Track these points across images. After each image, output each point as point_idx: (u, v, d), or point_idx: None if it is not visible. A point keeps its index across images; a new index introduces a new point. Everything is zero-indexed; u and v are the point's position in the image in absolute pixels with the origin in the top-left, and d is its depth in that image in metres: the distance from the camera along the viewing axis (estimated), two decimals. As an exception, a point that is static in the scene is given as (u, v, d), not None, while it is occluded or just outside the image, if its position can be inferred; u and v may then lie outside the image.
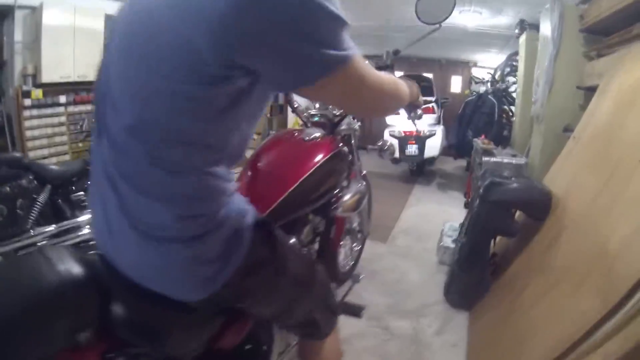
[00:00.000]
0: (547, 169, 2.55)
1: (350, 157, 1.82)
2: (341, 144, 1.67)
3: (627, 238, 1.34)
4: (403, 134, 5.65)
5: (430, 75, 7.97)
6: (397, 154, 5.62)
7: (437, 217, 4.04)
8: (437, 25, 1.52)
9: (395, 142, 5.62)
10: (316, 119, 1.81)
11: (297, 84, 0.69)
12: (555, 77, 3.26)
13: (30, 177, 2.56)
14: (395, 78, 0.95)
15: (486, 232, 2.09)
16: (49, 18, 4.40)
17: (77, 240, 2.64)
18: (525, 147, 4.06)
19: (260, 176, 1.39)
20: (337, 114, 1.79)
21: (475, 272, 2.12)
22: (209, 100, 0.67)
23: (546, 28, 3.40)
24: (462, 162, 6.29)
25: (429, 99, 5.99)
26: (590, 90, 2.74)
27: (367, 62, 0.79)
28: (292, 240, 1.30)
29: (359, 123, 1.86)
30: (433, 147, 5.67)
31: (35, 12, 4.42)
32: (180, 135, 0.70)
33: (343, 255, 2.53)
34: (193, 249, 0.76)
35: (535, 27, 4.05)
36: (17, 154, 2.81)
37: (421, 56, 8.58)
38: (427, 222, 3.94)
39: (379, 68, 1.65)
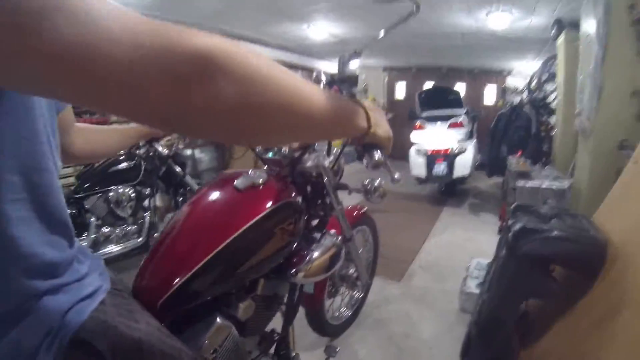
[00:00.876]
0: (598, 196, 1.98)
1: (322, 202, 1.44)
2: (293, 193, 1.28)
3: None
4: (430, 152, 5.14)
5: (461, 86, 7.43)
6: (423, 174, 5.16)
7: (464, 248, 3.49)
8: (413, 9, 1.09)
9: (422, 160, 5.14)
10: (270, 154, 1.39)
11: None
12: (604, 82, 2.67)
13: None
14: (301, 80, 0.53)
15: (513, 293, 1.54)
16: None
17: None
18: (569, 165, 3.45)
19: (170, 245, 1.08)
20: (296, 147, 1.36)
21: (497, 342, 1.58)
22: None
23: (589, 25, 2.84)
24: (499, 178, 5.62)
25: (458, 111, 5.46)
26: (651, 97, 2.17)
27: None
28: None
29: (330, 158, 1.41)
30: (463, 165, 5.10)
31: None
32: None
33: (339, 304, 2.24)
34: None
35: (575, 26, 3.46)
36: None
37: (452, 66, 8.10)
38: (452, 256, 3.37)
39: (332, 83, 1.22)
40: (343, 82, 1.23)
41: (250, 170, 1.26)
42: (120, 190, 3.06)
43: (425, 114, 5.68)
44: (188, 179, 3.42)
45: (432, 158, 5.17)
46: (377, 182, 1.57)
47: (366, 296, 2.39)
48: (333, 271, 1.42)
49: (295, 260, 1.28)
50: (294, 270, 1.26)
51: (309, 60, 8.07)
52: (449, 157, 5.10)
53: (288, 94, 0.49)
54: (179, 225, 1.12)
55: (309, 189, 1.42)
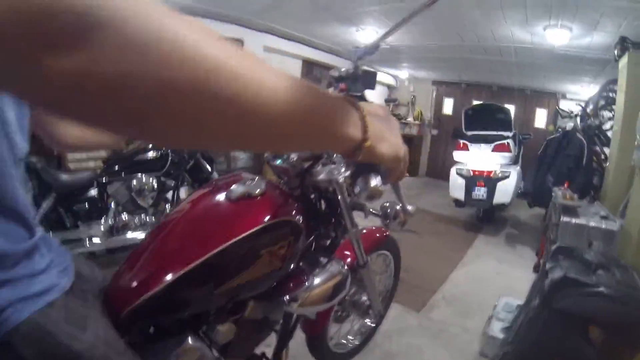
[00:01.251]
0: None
1: (335, 222, 1.27)
2: (294, 210, 1.10)
3: None
4: (471, 174, 4.86)
5: (511, 107, 7.02)
6: (461, 196, 4.90)
7: (495, 283, 3.22)
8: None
9: (461, 182, 4.88)
10: (278, 162, 1.22)
11: None
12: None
13: (34, 182, 2.64)
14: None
15: (541, 351, 1.32)
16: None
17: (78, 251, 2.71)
18: (620, 203, 3.11)
19: (148, 250, 0.97)
20: (306, 156, 1.19)
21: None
22: None
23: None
24: (542, 210, 5.16)
25: (505, 133, 5.13)
26: None
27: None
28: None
29: (347, 172, 1.21)
30: (505, 191, 4.80)
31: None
32: None
33: (347, 330, 2.04)
34: None
35: (641, 46, 3.10)
36: (32, 159, 2.71)
37: (502, 84, 7.78)
38: (481, 290, 3.10)
39: (340, 80, 1.05)
40: (355, 80, 1.02)
41: (256, 177, 1.12)
42: (144, 180, 3.08)
43: (470, 133, 5.39)
44: (215, 176, 3.38)
45: (472, 180, 4.90)
46: (397, 207, 1.37)
47: (378, 326, 2.20)
48: (336, 301, 1.25)
49: (292, 284, 1.12)
50: (287, 298, 1.10)
51: (359, 67, 7.92)
52: (490, 182, 4.82)
53: (216, 71, 0.32)
54: (162, 230, 1.01)
55: (322, 205, 1.25)
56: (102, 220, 2.94)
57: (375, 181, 0.64)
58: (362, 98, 0.78)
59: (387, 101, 9.53)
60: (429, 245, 4.17)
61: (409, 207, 0.94)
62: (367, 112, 0.52)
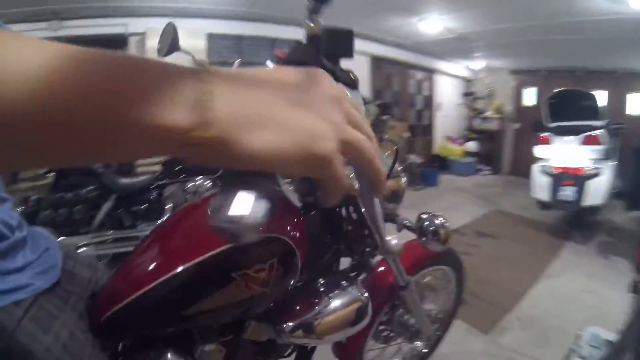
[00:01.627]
0: None
1: (362, 236, 1.01)
2: (288, 226, 0.83)
3: None
4: (556, 171, 4.34)
5: (601, 93, 6.13)
6: (546, 197, 4.41)
7: (582, 303, 2.73)
8: None
9: (545, 180, 4.37)
10: None
11: None
12: None
13: (94, 186, 2.92)
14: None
15: None
16: (153, 41, 4.40)
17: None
18: None
19: (134, 256, 0.85)
20: None
21: None
22: None
23: None
24: None
25: (595, 123, 4.49)
26: None
27: None
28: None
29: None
30: (596, 191, 4.16)
31: (144, 37, 4.73)
32: None
33: (394, 352, 1.74)
34: None
35: None
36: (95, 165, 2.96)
37: (588, 67, 6.85)
38: (564, 311, 2.63)
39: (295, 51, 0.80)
40: (310, 45, 0.73)
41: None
42: (198, 183, 3.20)
43: (554, 125, 4.77)
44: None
45: (558, 179, 4.32)
46: (438, 221, 1.10)
47: (432, 351, 1.90)
48: (358, 329, 1.00)
49: (298, 308, 0.90)
50: (287, 325, 0.87)
51: (427, 60, 7.56)
52: (579, 180, 4.20)
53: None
54: (151, 237, 0.89)
55: (350, 212, 1.02)
56: (159, 221, 3.06)
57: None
58: (315, 63, 0.55)
59: (466, 94, 9.00)
60: (508, 253, 3.75)
61: (393, 241, 0.70)
62: (221, 77, 0.29)
